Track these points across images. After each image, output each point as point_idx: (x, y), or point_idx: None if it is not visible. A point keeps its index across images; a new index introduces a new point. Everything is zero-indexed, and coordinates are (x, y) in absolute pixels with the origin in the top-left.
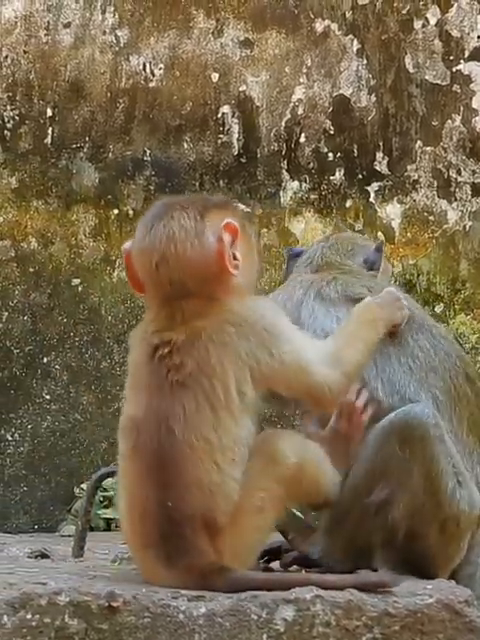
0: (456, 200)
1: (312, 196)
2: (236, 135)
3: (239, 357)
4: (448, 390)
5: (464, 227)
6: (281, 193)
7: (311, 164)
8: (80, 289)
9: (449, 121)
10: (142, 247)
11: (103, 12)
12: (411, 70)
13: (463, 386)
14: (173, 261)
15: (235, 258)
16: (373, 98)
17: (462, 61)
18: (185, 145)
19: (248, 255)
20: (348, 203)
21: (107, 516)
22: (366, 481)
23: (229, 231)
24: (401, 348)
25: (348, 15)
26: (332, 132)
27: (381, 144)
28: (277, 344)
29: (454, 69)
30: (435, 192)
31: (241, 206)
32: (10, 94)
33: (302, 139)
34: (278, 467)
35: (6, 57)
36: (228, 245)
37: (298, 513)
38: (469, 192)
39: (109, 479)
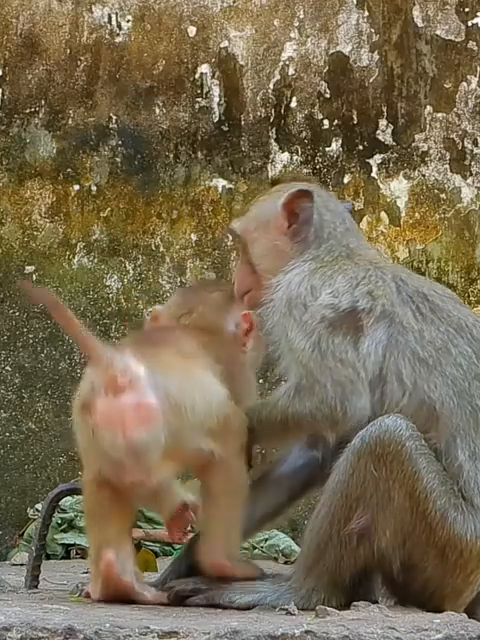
0: (471, 175)
1: (305, 170)
2: (217, 99)
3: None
4: None
5: None
6: (269, 166)
7: (303, 133)
8: (35, 278)
9: (464, 83)
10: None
11: None
12: (420, 24)
13: None
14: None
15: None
16: (376, 56)
17: (479, 14)
18: (157, 110)
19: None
20: (346, 178)
21: (65, 542)
22: (342, 509)
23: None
24: (443, 357)
25: None
26: (328, 96)
27: (385, 110)
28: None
29: (470, 23)
30: (447, 165)
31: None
32: None
33: (293, 104)
34: None
35: None
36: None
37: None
38: None
39: (68, 498)
